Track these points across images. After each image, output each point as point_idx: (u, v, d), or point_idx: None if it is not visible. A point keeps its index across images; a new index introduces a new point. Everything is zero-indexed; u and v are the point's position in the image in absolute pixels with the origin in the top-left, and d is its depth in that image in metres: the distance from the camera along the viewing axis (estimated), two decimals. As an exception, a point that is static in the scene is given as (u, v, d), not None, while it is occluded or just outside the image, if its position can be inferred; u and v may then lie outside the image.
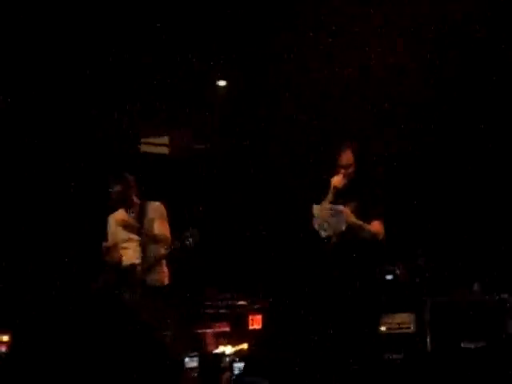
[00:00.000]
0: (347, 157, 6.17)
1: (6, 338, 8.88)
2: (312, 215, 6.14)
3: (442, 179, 10.14)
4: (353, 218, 6.02)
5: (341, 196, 6.19)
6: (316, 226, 6.13)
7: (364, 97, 9.88)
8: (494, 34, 9.28)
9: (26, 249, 9.38)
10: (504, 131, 9.86)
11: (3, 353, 8.77)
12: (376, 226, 6.06)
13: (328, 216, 6.03)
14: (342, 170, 6.17)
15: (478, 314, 8.83)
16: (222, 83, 11.12)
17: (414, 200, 10.14)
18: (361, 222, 6.03)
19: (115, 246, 7.02)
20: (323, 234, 6.08)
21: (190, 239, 6.70)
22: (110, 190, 6.96)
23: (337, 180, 6.18)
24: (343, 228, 6.00)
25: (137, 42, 9.60)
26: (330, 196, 6.20)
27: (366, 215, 6.05)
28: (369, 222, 6.05)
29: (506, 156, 9.92)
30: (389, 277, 9.47)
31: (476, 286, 9.21)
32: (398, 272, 9.55)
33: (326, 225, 6.04)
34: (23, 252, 9.35)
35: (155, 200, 7.14)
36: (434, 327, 8.98)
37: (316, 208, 6.07)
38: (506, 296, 8.90)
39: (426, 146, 10.10)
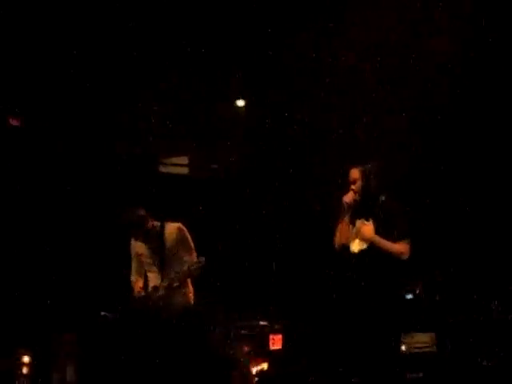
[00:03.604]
0: (354, 172, 6.28)
1: (27, 359, 8.90)
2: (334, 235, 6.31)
3: (460, 199, 10.10)
4: (374, 236, 6.09)
5: (357, 213, 6.25)
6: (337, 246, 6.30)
7: (383, 115, 9.89)
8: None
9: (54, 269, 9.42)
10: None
11: (24, 374, 8.79)
12: (401, 246, 6.10)
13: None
14: (352, 187, 6.26)
15: (498, 332, 8.78)
16: (240, 103, 11.15)
17: (431, 218, 10.11)
18: (383, 240, 6.08)
19: (137, 280, 7.12)
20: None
21: (195, 267, 6.77)
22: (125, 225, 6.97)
23: (346, 196, 6.26)
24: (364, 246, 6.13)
25: (155, 61, 9.65)
26: (342, 214, 6.29)
27: (389, 234, 6.10)
28: (393, 241, 6.10)
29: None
30: (409, 296, 9.44)
31: (495, 304, 9.16)
32: (418, 291, 9.52)
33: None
34: (51, 272, 9.40)
35: (174, 220, 7.16)
36: (455, 346, 8.93)
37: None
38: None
39: (438, 164, 10.09)
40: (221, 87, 10.39)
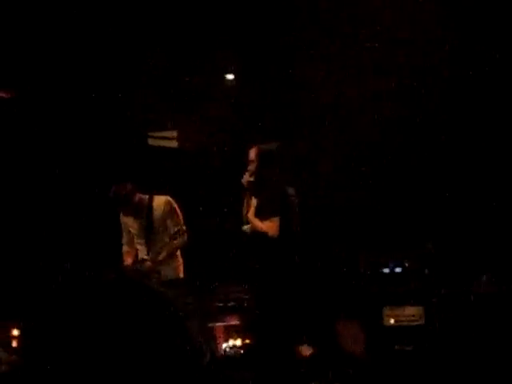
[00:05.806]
0: (250, 153, 6.30)
1: (16, 332, 8.91)
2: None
3: (452, 171, 10.11)
4: (250, 215, 6.24)
5: (253, 193, 6.35)
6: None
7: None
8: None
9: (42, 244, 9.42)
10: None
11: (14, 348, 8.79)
12: (266, 225, 6.13)
13: None
14: (248, 167, 6.30)
15: (488, 305, 8.82)
16: (230, 76, 11.11)
17: (423, 192, 10.12)
18: (254, 220, 6.20)
19: (129, 251, 7.14)
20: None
21: (178, 238, 6.88)
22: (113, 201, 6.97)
23: (244, 178, 6.33)
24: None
25: (145, 33, 9.61)
26: (244, 194, 6.42)
27: (264, 213, 6.16)
28: (266, 219, 6.16)
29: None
30: (398, 269, 9.46)
31: (485, 278, 9.19)
32: (407, 265, 9.54)
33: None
34: (40, 246, 9.39)
35: (163, 194, 7.16)
36: (443, 319, 8.97)
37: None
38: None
39: (433, 133, 10.09)
40: (211, 60, 10.35)
